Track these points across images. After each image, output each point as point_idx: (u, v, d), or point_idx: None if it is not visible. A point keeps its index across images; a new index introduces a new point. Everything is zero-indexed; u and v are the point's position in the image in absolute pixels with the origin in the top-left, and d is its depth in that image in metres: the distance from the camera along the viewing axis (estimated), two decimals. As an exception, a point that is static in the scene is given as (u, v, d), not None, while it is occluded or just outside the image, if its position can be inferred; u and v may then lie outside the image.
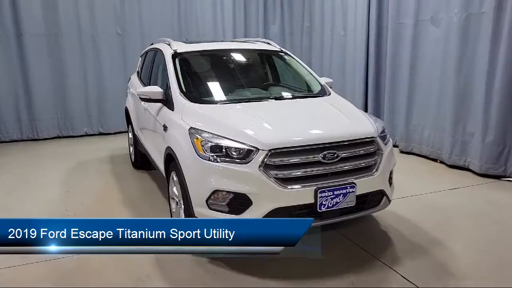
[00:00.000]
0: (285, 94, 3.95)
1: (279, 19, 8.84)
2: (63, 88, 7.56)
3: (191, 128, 3.07)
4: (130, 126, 5.61)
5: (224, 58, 4.37)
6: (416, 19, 5.71)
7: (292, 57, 4.40)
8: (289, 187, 2.82)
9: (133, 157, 5.54)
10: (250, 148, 2.82)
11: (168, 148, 3.40)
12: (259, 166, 2.79)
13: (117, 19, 7.70)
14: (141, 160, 5.39)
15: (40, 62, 7.33)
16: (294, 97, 3.78)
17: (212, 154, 2.87)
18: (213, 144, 2.90)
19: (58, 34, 7.35)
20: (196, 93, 3.74)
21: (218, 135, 2.92)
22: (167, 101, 3.68)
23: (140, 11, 7.81)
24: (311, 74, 4.18)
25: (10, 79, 7.22)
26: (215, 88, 3.93)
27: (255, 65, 4.43)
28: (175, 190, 3.38)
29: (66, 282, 2.99)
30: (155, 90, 3.71)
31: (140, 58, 5.75)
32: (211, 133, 2.96)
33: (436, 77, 5.53)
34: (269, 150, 2.81)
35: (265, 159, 2.80)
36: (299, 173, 2.86)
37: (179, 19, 8.15)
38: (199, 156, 2.91)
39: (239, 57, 4.40)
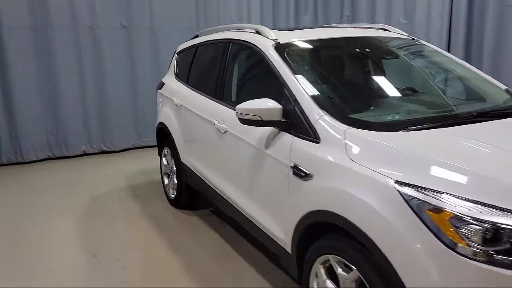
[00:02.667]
0: (476, 107, 2.51)
1: (312, 7, 7.42)
2: (54, 95, 5.86)
3: (405, 184, 1.60)
4: (167, 149, 4.06)
5: (351, 51, 2.91)
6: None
7: (436, 49, 2.99)
8: None
9: (174, 192, 3.98)
10: None
11: (316, 214, 1.95)
12: None
13: (121, 8, 6.07)
14: (188, 197, 3.86)
15: (24, 62, 5.62)
16: (498, 114, 2.33)
17: (487, 249, 1.42)
18: (489, 226, 1.42)
19: (47, 26, 5.65)
20: (348, 110, 2.26)
21: (490, 205, 1.46)
22: (291, 125, 2.19)
23: (150, -2, 6.22)
24: (476, 74, 2.79)
25: (-16, 85, 5.49)
26: (371, 101, 2.48)
27: (392, 61, 2.98)
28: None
29: None
30: (271, 106, 2.21)
31: (175, 56, 4.20)
32: (467, 198, 1.49)
33: None
34: None
35: None
36: None
37: (197, 9, 6.58)
38: (457, 252, 1.43)
39: (370, 50, 2.95)
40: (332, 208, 1.85)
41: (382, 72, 2.85)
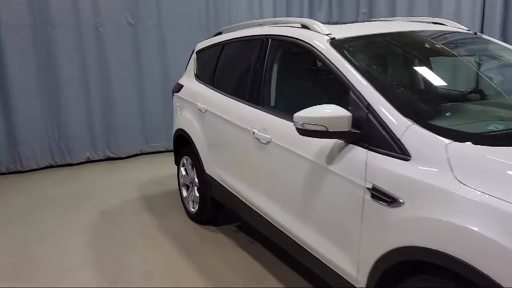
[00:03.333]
0: None
1: (326, 4, 7.06)
2: (55, 98, 5.44)
3: None
4: (187, 158, 3.66)
5: (418, 48, 2.52)
6: None
7: (504, 45, 2.62)
8: None
9: (196, 206, 3.58)
10: None
11: (409, 250, 1.58)
12: None
13: (127, 4, 5.65)
14: (212, 211, 3.47)
15: (23, 62, 5.20)
16: None
17: None
18: None
19: (47, 25, 5.23)
20: (435, 118, 1.88)
21: None
22: (363, 136, 1.81)
23: (158, -7, 5.81)
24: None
25: (-20, 88, 5.07)
26: (450, 106, 2.10)
27: (456, 60, 2.61)
28: None
29: None
30: (339, 114, 1.82)
31: (194, 55, 3.81)
32: None
33: None
34: None
35: None
36: None
37: (207, 7, 6.19)
38: None
39: (437, 46, 2.56)
40: (435, 244, 1.47)
41: (449, 72, 2.48)
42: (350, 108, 1.89)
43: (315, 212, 2.12)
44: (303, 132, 1.88)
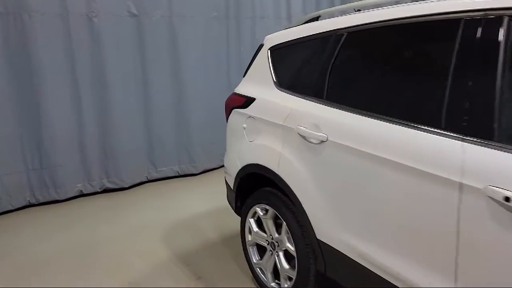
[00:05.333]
0: None
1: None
2: (35, 112, 4.02)
3: None
4: (265, 209, 2.41)
5: None
6: None
7: None
8: None
9: (285, 283, 2.33)
10: None
11: None
12: None
13: (128, -13, 4.31)
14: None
15: (-10, 67, 3.76)
16: None
17: None
18: None
19: (23, 12, 3.80)
20: None
21: None
22: None
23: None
24: None
25: None
26: None
27: None
28: None
29: None
30: None
31: (268, 54, 2.56)
32: None
33: None
34: None
35: None
36: None
37: (226, -8, 4.94)
38: None
39: None
40: None
41: None
42: None
43: None
44: None
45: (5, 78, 3.79)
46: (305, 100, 2.14)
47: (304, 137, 2.04)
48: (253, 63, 2.67)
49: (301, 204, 2.08)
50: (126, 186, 4.56)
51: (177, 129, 4.79)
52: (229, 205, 2.87)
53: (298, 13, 5.35)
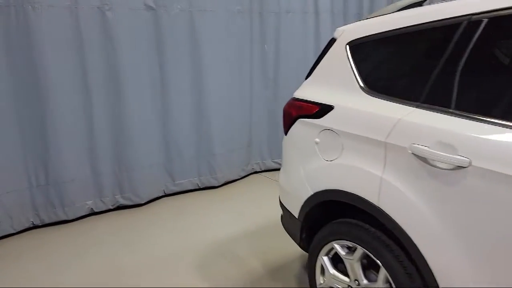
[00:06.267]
0: None
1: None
2: (39, 120, 3.47)
3: None
4: (344, 248, 1.93)
5: None
6: None
7: None
8: None
9: None
10: None
11: None
12: None
13: (144, -23, 3.79)
14: None
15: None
16: None
17: None
18: None
19: (25, 4, 3.26)
20: None
21: None
22: None
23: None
24: None
25: None
26: None
27: None
28: None
29: None
30: None
31: (346, 50, 2.06)
32: None
33: None
34: None
35: None
36: None
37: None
38: None
39: None
40: None
41: None
42: None
43: None
44: None
45: (5, 80, 3.23)
46: (417, 109, 1.64)
47: (424, 160, 1.54)
48: (321, 62, 2.17)
49: (417, 249, 1.58)
50: (142, 202, 4.03)
51: (197, 136, 4.28)
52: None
53: (326, 8, 4.86)
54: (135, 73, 3.80)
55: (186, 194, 4.37)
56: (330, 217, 2.08)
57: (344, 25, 5.16)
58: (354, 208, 1.93)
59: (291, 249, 3.04)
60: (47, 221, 3.62)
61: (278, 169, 5.04)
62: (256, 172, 5.01)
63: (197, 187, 4.42)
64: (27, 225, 3.55)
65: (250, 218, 3.64)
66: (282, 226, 3.26)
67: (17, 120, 3.35)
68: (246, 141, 4.72)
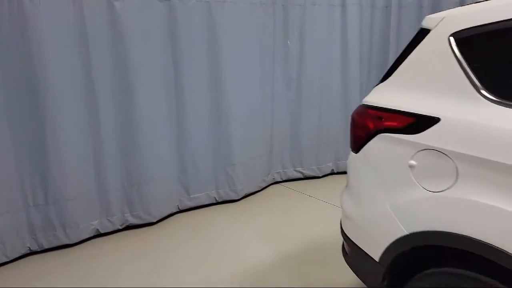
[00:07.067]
0: None
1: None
2: (40, 131, 2.95)
3: None
4: None
5: None
6: None
7: None
8: None
9: None
10: None
11: None
12: None
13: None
14: None
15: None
16: None
17: None
18: None
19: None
20: None
21: None
22: None
23: None
24: None
25: None
26: None
27: None
28: None
29: None
30: None
31: (451, 45, 1.57)
32: None
33: None
34: None
35: None
36: None
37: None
38: None
39: None
40: None
41: None
42: None
43: None
44: None
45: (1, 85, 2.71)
46: None
47: None
48: (408, 59, 1.68)
49: None
50: (154, 220, 3.53)
51: (214, 143, 3.79)
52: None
53: (354, 0, 4.37)
54: (147, 73, 3.30)
55: (203, 209, 3.88)
56: (415, 262, 1.59)
57: (370, 18, 4.68)
58: (459, 252, 1.45)
59: (345, 280, 2.56)
60: (46, 245, 3.11)
61: (300, 179, 4.57)
62: (276, 182, 4.52)
63: (215, 201, 3.93)
64: (23, 251, 3.03)
65: (283, 239, 3.16)
66: (325, 250, 2.78)
67: (10, 128, 2.84)
68: (267, 148, 4.23)
